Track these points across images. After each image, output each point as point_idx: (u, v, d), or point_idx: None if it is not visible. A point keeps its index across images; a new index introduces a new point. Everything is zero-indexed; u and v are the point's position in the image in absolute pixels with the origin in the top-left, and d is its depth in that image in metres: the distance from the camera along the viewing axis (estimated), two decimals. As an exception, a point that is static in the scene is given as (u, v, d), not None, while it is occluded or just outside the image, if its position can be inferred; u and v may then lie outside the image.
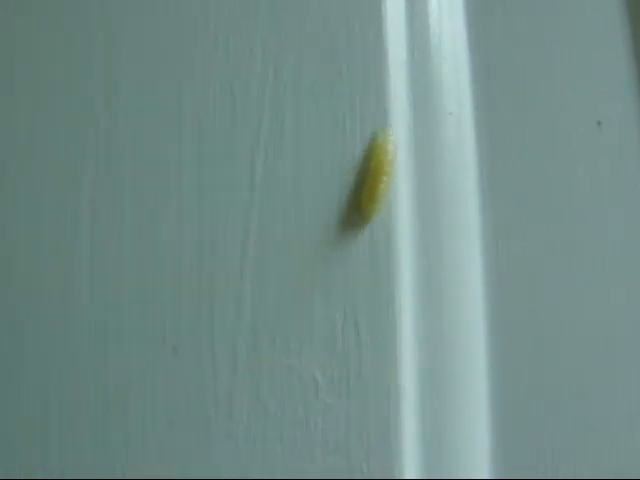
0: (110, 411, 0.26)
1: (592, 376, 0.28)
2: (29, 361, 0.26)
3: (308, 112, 0.28)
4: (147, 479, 0.25)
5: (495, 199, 0.30)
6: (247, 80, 0.28)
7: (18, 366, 0.26)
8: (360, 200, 0.28)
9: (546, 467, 0.28)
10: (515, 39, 0.31)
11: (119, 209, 0.27)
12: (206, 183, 0.27)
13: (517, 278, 0.29)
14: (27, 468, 0.25)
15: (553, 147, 0.31)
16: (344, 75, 0.29)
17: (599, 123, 0.31)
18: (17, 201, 0.27)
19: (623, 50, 0.31)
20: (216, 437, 0.26)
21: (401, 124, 0.29)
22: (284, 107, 0.28)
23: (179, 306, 0.26)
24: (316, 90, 0.29)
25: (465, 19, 0.31)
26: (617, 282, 0.29)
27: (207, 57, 0.29)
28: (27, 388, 0.26)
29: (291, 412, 0.26)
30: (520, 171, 0.30)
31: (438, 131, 0.30)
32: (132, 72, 0.28)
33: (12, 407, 0.26)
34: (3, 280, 0.27)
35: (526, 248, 0.30)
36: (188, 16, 0.29)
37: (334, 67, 0.29)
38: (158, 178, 0.27)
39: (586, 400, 0.28)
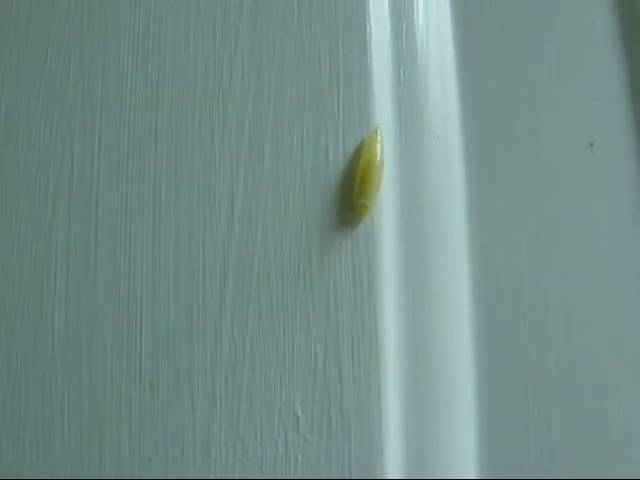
0: (85, 447, 0.25)
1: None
2: (1, 394, 0.25)
3: (290, 137, 0.28)
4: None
5: (484, 222, 0.29)
6: (226, 105, 0.28)
7: (-11, 405, 0.25)
8: (351, 198, 0.27)
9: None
10: (504, 60, 0.30)
11: (93, 240, 0.26)
12: (183, 212, 0.27)
13: (505, 301, 0.28)
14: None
15: (544, 169, 0.30)
16: (327, 99, 0.28)
17: (591, 144, 0.30)
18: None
19: (616, 70, 0.30)
20: (194, 473, 0.25)
21: (387, 146, 0.29)
22: (265, 132, 0.28)
23: (156, 340, 0.26)
24: (298, 114, 0.28)
25: (453, 41, 0.31)
26: (606, 298, 0.29)
27: (185, 81, 0.28)
28: None
29: (271, 448, 0.25)
30: (509, 194, 0.30)
31: (425, 154, 0.29)
32: (109, 95, 0.28)
33: (-14, 443, 0.25)
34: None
35: (515, 272, 0.29)
36: (166, 40, 0.28)
37: (317, 90, 0.28)
38: (133, 208, 0.27)
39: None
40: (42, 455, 0.25)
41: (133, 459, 0.25)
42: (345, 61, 0.29)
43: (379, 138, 0.28)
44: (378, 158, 0.28)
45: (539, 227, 0.29)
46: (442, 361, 0.28)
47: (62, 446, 0.25)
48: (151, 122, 0.27)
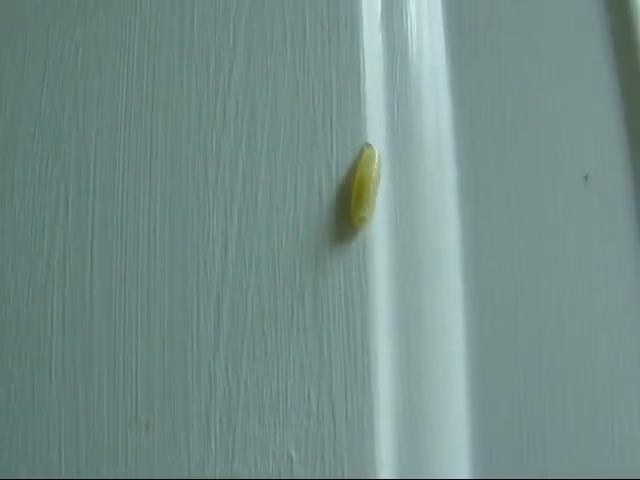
0: (83, 489, 0.26)
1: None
2: None
3: (283, 177, 0.28)
4: None
5: (478, 260, 0.29)
6: (220, 145, 0.28)
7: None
8: (349, 212, 0.27)
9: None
10: (498, 95, 0.30)
11: (89, 283, 0.27)
12: (178, 253, 0.27)
13: (499, 326, 0.29)
14: None
15: (538, 202, 0.30)
16: (320, 137, 0.28)
17: (586, 178, 0.30)
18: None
19: (610, 102, 0.30)
20: (190, 514, 0.26)
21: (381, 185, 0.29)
22: (258, 172, 0.28)
23: (151, 381, 0.26)
24: (292, 153, 0.28)
25: (448, 76, 0.30)
26: (600, 326, 0.29)
27: (179, 122, 0.28)
28: (-2, 468, 0.26)
29: (265, 489, 0.26)
30: (504, 231, 0.30)
31: (418, 191, 0.29)
32: (102, 137, 0.28)
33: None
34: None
35: (510, 299, 0.29)
36: (160, 80, 0.28)
37: (310, 127, 0.28)
38: (128, 250, 0.27)
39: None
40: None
41: (130, 499, 0.26)
42: (338, 98, 0.29)
43: (376, 153, 0.28)
44: (375, 171, 0.28)
45: (533, 256, 0.29)
46: (436, 394, 0.28)
47: (60, 487, 0.26)
48: (145, 163, 0.28)
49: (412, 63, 0.30)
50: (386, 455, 0.26)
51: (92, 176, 0.27)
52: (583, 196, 0.30)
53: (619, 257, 0.29)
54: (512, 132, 0.30)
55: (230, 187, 0.27)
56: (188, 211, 0.27)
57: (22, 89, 0.28)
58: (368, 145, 0.28)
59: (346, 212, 0.27)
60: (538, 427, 0.28)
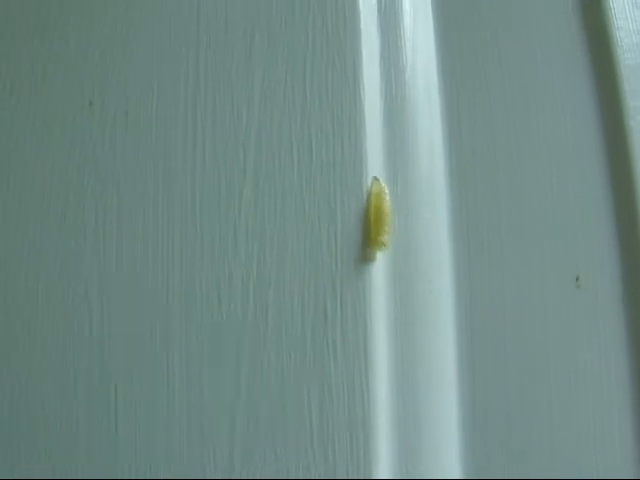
0: None
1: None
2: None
3: (291, 297, 0.30)
4: None
5: (473, 357, 0.31)
6: (232, 271, 0.30)
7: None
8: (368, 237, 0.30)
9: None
10: (494, 195, 0.32)
11: (114, 403, 0.29)
12: (194, 376, 0.29)
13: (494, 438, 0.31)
14: None
15: (529, 302, 0.31)
16: (326, 259, 0.30)
17: (577, 278, 0.32)
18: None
19: (602, 203, 0.32)
20: None
21: (378, 297, 0.30)
22: (267, 294, 0.30)
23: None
24: (299, 274, 0.30)
25: (447, 182, 0.32)
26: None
27: (192, 248, 0.30)
28: None
29: None
30: (498, 334, 0.31)
31: (418, 304, 0.31)
32: (122, 261, 0.30)
33: None
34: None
35: (503, 402, 0.31)
36: (174, 207, 0.30)
37: (317, 249, 0.30)
38: (148, 377, 0.29)
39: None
40: None
41: None
42: (343, 219, 0.30)
43: (383, 185, 0.31)
44: (387, 206, 0.31)
45: (523, 349, 0.31)
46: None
47: None
48: (162, 291, 0.29)
49: (416, 181, 0.32)
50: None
51: (113, 304, 0.29)
52: (574, 297, 0.32)
53: (607, 359, 0.31)
54: (507, 230, 0.32)
55: (242, 313, 0.29)
56: (203, 338, 0.29)
57: (47, 215, 0.30)
58: (376, 179, 0.31)
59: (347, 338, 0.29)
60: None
